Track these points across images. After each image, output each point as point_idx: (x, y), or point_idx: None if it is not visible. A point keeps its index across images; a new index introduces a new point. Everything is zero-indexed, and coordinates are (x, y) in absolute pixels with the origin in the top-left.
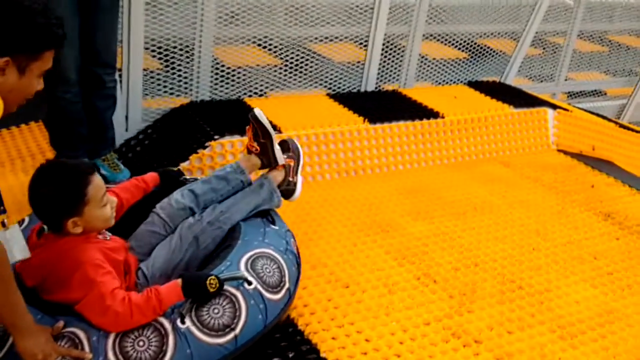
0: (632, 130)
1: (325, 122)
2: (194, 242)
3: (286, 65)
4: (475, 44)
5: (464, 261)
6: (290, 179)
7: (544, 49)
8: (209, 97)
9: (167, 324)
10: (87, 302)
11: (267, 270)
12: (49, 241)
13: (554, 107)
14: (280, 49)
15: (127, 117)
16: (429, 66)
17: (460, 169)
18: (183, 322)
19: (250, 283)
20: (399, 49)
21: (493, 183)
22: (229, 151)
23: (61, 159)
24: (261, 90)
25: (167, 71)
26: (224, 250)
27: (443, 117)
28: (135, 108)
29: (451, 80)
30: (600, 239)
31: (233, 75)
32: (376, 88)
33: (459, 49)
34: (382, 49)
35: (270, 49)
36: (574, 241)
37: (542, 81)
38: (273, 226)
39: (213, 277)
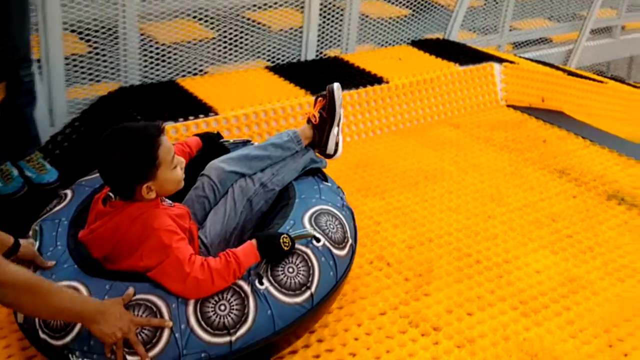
0: (581, 76)
1: (265, 99)
2: (248, 205)
3: (223, 38)
4: None
5: (418, 238)
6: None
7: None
8: (140, 81)
9: (246, 287)
10: (164, 269)
11: (331, 226)
12: (117, 209)
13: (500, 60)
14: (214, 21)
15: (50, 111)
16: (371, 27)
17: (409, 135)
18: (261, 283)
19: (318, 240)
20: (338, 10)
21: (444, 147)
22: None
23: (125, 123)
24: (197, 68)
25: (92, 56)
26: (281, 210)
27: (387, 82)
28: (59, 100)
29: (395, 41)
30: (556, 199)
31: (164, 55)
32: (317, 55)
33: (402, 5)
34: (320, 12)
35: (204, 21)
36: (529, 204)
37: (486, 34)
38: (326, 183)
39: (285, 235)
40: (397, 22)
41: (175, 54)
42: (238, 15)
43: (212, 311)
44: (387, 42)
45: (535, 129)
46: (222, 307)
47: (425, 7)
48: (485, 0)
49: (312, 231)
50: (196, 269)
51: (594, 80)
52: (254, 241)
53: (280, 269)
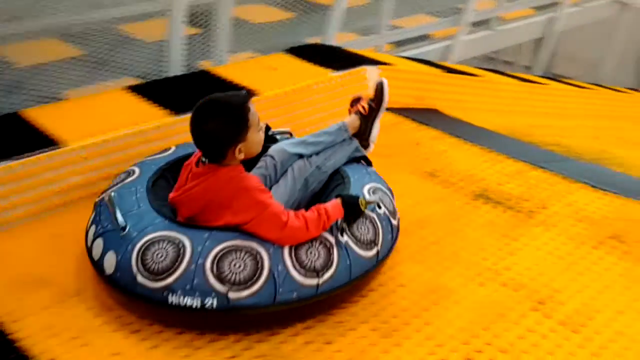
0: (458, 72)
1: (121, 123)
2: (305, 184)
3: (87, 57)
4: (303, 1)
5: None
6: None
7: None
8: None
9: (331, 238)
10: (262, 220)
11: (385, 199)
12: (211, 171)
13: (375, 63)
14: (81, 37)
15: None
16: (247, 33)
17: None
18: (343, 237)
19: (380, 207)
20: (207, 17)
21: None
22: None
23: (215, 94)
24: (53, 94)
25: None
26: (336, 187)
27: (258, 95)
28: None
29: (275, 48)
30: (425, 204)
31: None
32: (188, 69)
33: (283, 8)
34: (188, 21)
35: (69, 39)
36: (400, 211)
37: (367, 34)
38: (371, 168)
39: (361, 198)
40: (278, 27)
41: (32, 76)
42: (105, 29)
43: (304, 256)
44: (267, 49)
45: (409, 131)
46: (312, 253)
47: (309, 9)
48: None
49: (378, 200)
50: (292, 219)
51: (470, 74)
52: (339, 200)
53: (355, 227)
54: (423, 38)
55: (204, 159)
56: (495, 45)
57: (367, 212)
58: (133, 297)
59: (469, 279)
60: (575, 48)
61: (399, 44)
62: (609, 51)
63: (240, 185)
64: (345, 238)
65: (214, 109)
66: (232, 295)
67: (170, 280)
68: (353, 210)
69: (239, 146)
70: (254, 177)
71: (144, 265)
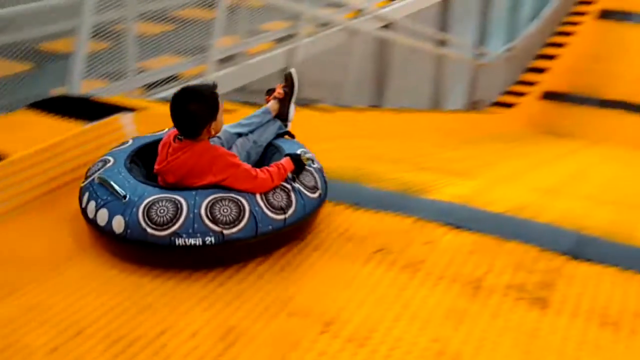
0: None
1: None
2: (247, 156)
3: None
4: (39, 51)
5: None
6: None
7: (111, 41)
8: None
9: (288, 185)
10: (238, 176)
11: (315, 159)
12: (188, 145)
13: (128, 109)
14: None
15: None
16: None
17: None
18: (295, 183)
19: (313, 162)
20: None
21: None
22: None
23: (189, 85)
24: None
25: None
26: (274, 155)
27: (2, 159)
28: None
29: (13, 104)
30: None
31: None
32: None
33: (17, 59)
34: None
35: None
36: None
37: (115, 79)
38: (295, 140)
39: (302, 156)
40: (14, 80)
41: None
42: None
43: (272, 199)
44: (6, 106)
45: None
46: (277, 196)
47: (46, 58)
48: (110, 42)
49: (312, 157)
50: (260, 173)
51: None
52: (288, 157)
53: (302, 177)
54: (174, 78)
55: (180, 137)
56: (244, 80)
57: (307, 167)
58: (145, 247)
59: (258, 315)
60: (319, 73)
61: (150, 86)
62: (347, 74)
63: (216, 153)
64: (297, 185)
65: (192, 95)
66: (226, 232)
67: (175, 227)
68: (299, 164)
69: (212, 125)
70: (222, 147)
71: (150, 220)
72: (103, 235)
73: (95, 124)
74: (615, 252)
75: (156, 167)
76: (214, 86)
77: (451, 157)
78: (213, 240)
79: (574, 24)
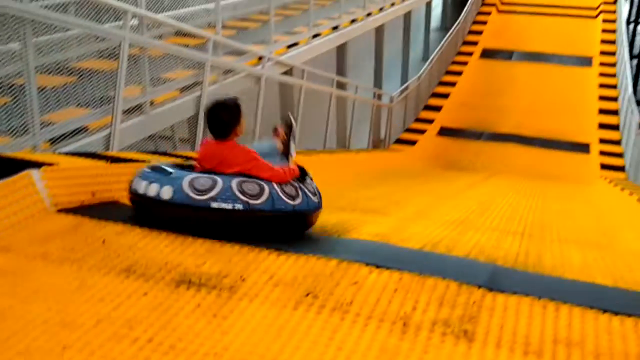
0: (122, 160)
1: None
2: None
3: None
4: None
5: None
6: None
7: (11, 96)
8: None
9: (296, 184)
10: (258, 166)
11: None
12: (222, 143)
13: (37, 165)
14: None
15: None
16: None
17: None
18: (301, 184)
19: (311, 179)
20: None
21: None
22: None
23: (217, 99)
24: None
25: None
26: None
27: None
28: None
29: None
30: (129, 303)
31: None
32: None
33: None
34: None
35: None
36: (104, 318)
37: (19, 135)
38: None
39: (306, 170)
40: None
41: None
42: None
43: (286, 188)
44: None
45: (93, 229)
46: (289, 188)
47: None
48: (8, 97)
49: (311, 175)
50: (275, 167)
51: (135, 160)
52: (296, 167)
53: (305, 183)
54: (81, 130)
55: (217, 138)
56: (153, 129)
57: (308, 179)
58: (186, 208)
59: None
60: None
61: (56, 140)
62: (257, 116)
63: (243, 148)
64: (302, 186)
65: (222, 107)
66: (251, 202)
67: (212, 194)
68: (304, 173)
69: (238, 128)
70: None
71: (193, 187)
72: (153, 203)
73: (5, 180)
74: (528, 282)
75: (197, 158)
76: (237, 99)
77: (363, 196)
78: (241, 207)
79: (462, 63)
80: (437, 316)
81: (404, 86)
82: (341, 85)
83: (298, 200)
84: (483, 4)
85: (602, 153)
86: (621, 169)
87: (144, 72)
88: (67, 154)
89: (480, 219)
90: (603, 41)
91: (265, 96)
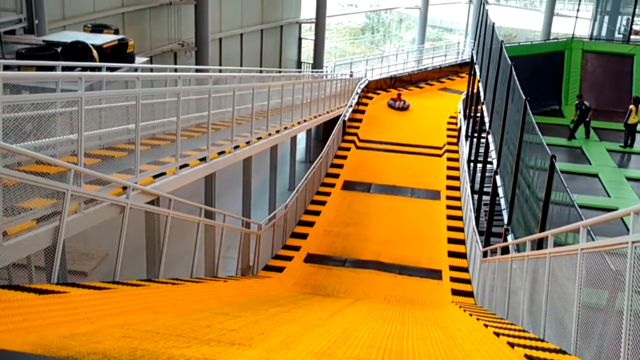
0: None
1: None
2: None
3: None
4: None
5: None
6: None
7: None
8: None
9: None
10: None
11: None
12: None
13: None
14: None
15: None
16: None
17: None
18: None
19: None
20: None
21: None
22: None
23: None
24: None
25: None
26: None
27: None
28: None
29: None
30: None
31: None
32: None
33: None
34: None
35: None
36: None
37: None
38: None
39: None
40: None
41: None
42: None
43: None
44: None
45: None
46: None
47: None
48: None
49: None
50: None
51: None
52: None
53: None
54: None
55: None
56: (4, 262)
57: None
58: None
59: None
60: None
61: None
62: (119, 245)
63: None
64: None
65: None
66: None
67: None
68: None
69: None
70: None
71: None
72: None
73: None
74: None
75: None
76: None
77: (230, 326)
78: None
79: (326, 194)
80: None
81: (271, 214)
82: (209, 214)
83: None
84: (343, 141)
85: (453, 279)
86: (470, 294)
87: None
88: None
89: (342, 348)
90: (449, 177)
91: (129, 226)
